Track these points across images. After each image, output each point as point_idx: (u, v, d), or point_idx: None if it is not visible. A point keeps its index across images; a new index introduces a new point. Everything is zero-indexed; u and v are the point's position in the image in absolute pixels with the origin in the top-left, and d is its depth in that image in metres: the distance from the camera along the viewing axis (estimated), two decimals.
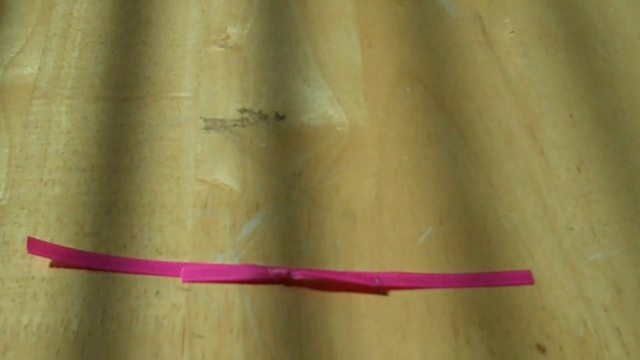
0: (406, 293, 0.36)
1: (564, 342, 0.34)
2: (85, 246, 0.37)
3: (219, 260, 0.37)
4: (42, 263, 0.37)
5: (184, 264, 0.36)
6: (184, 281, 0.36)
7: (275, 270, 0.36)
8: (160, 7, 0.49)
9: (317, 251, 0.37)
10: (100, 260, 0.36)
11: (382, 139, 0.42)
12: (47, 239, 0.37)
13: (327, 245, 0.38)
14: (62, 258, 0.36)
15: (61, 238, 0.38)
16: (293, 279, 0.36)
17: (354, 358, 0.34)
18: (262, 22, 0.49)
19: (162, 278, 0.36)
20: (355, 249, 0.37)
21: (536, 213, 0.39)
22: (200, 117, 0.43)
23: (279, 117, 0.43)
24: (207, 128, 0.43)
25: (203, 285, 0.36)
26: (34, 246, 0.36)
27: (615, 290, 0.36)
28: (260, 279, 0.36)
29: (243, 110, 0.44)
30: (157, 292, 0.36)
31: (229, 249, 0.37)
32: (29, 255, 0.37)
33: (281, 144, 0.42)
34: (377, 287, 0.36)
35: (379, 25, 0.49)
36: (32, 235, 0.37)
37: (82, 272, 0.36)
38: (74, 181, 0.40)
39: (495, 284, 0.36)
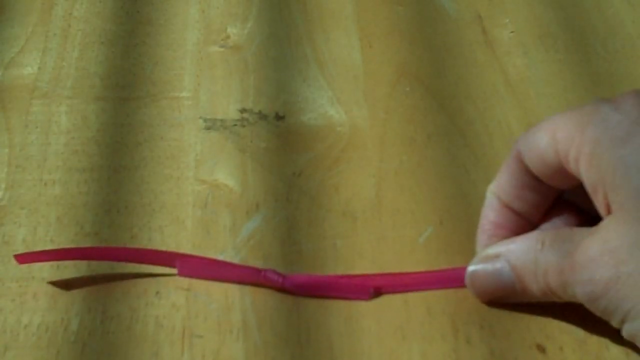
0: (406, 293, 0.36)
1: (564, 342, 0.34)
2: (85, 246, 0.37)
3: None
4: (42, 263, 0.36)
5: (181, 256, 0.36)
6: (180, 274, 0.36)
7: (270, 275, 0.35)
8: (160, 7, 0.49)
9: (317, 251, 0.37)
10: (94, 252, 0.36)
11: (382, 139, 0.42)
12: (47, 239, 0.37)
13: (327, 245, 0.38)
14: (53, 258, 0.36)
15: (61, 238, 0.38)
16: (286, 287, 0.35)
17: (354, 358, 0.34)
18: (262, 22, 0.49)
19: (162, 278, 0.36)
20: (355, 249, 0.37)
21: None
22: (200, 117, 0.43)
23: (279, 117, 0.43)
24: (207, 128, 0.43)
25: (203, 286, 0.36)
26: (24, 259, 0.36)
27: None
28: (256, 282, 0.36)
29: (243, 110, 0.44)
30: (157, 292, 0.36)
31: (229, 249, 0.37)
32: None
33: (281, 144, 0.42)
34: (370, 297, 0.35)
35: (379, 25, 0.49)
36: (32, 236, 0.37)
37: (82, 272, 0.36)
38: (74, 181, 0.40)
39: None
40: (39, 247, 0.37)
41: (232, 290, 0.36)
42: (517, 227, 0.35)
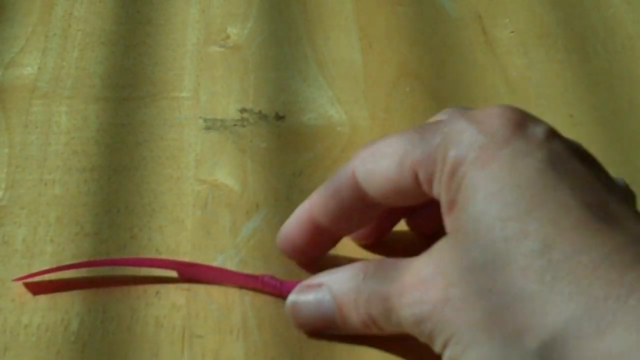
0: None
1: None
2: (85, 246, 0.37)
3: (219, 260, 0.37)
4: (42, 263, 0.36)
5: (179, 264, 0.36)
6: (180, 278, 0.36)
7: (267, 280, 0.35)
8: (160, 7, 0.49)
9: None
10: (92, 264, 0.36)
11: None
12: (47, 239, 0.37)
13: None
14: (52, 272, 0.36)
15: (61, 238, 0.38)
16: (284, 294, 0.35)
17: (354, 358, 0.34)
18: (262, 22, 0.49)
19: (162, 278, 0.36)
20: (355, 249, 0.37)
21: None
22: (200, 117, 0.43)
23: (279, 117, 0.43)
24: (207, 128, 0.43)
25: (203, 285, 0.36)
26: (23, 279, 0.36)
27: None
28: (254, 288, 0.36)
29: (243, 110, 0.44)
30: (157, 292, 0.36)
31: (229, 249, 0.37)
32: (29, 255, 0.37)
33: (281, 144, 0.42)
34: None
35: (379, 25, 0.49)
36: (32, 236, 0.37)
37: (82, 271, 0.36)
38: (74, 181, 0.40)
39: None
40: (39, 247, 0.37)
41: (232, 291, 0.36)
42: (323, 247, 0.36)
